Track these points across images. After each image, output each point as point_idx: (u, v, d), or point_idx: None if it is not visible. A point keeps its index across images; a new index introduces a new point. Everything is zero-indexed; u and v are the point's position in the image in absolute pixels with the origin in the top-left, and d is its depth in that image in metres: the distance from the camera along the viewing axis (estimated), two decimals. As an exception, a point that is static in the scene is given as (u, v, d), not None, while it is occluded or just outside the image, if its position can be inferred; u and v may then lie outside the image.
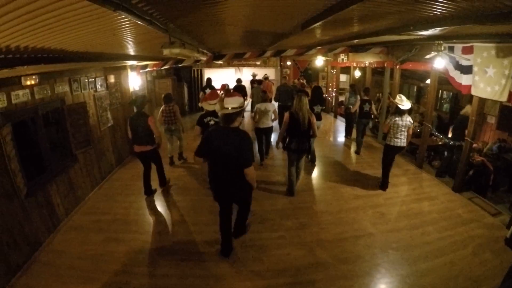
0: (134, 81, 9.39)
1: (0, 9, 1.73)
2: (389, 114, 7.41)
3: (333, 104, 15.09)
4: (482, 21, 3.34)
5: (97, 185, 7.34)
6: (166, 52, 3.60)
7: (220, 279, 4.36)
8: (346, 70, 15.02)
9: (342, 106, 14.77)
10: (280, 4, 3.31)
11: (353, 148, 9.88)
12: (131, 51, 5.51)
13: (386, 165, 7.03)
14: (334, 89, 14.85)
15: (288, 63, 16.91)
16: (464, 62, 6.04)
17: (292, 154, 6.45)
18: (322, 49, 10.42)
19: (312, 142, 6.72)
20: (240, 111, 4.17)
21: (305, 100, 6.18)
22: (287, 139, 6.42)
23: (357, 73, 13.53)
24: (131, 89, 9.17)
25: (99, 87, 7.54)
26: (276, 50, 10.22)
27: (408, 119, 6.56)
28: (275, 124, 9.04)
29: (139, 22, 2.55)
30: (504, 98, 5.36)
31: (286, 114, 6.28)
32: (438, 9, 3.30)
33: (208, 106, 6.23)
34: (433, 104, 8.36)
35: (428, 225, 5.58)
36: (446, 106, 13.14)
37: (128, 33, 3.44)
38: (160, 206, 6.55)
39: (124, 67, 8.79)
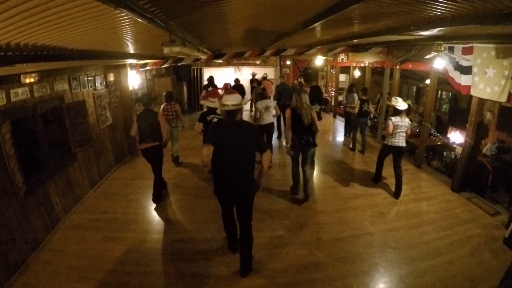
0: (134, 80, 9.38)
1: (0, 6, 1.72)
2: (388, 116, 7.48)
3: (333, 103, 15.08)
4: (483, 22, 3.33)
5: (96, 184, 7.34)
6: (166, 50, 3.58)
7: (219, 278, 4.36)
8: (346, 69, 15.02)
9: (341, 106, 14.80)
10: (283, 2, 3.30)
11: (355, 147, 9.87)
12: (131, 49, 5.50)
13: (380, 162, 7.24)
14: (334, 89, 14.85)
15: (288, 62, 16.90)
16: (464, 63, 6.04)
17: (295, 150, 6.36)
18: (322, 48, 10.41)
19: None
20: (240, 108, 4.20)
21: (305, 96, 6.19)
22: (291, 136, 6.29)
23: (357, 73, 13.52)
24: (131, 88, 9.15)
25: (99, 85, 7.54)
26: (276, 49, 10.22)
27: (406, 120, 6.60)
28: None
29: (140, 20, 2.54)
30: (503, 99, 5.36)
31: (288, 111, 6.23)
32: (439, 9, 3.30)
33: (209, 103, 6.18)
34: (433, 104, 8.37)
35: (427, 225, 5.59)
36: (445, 107, 13.16)
37: (128, 31, 3.43)
38: (159, 205, 6.53)
39: (124, 66, 8.77)
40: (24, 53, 3.08)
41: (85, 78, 6.87)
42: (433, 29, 4.27)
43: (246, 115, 11.61)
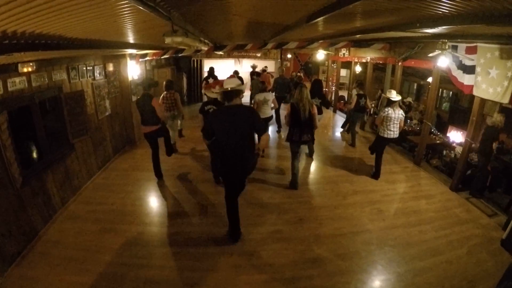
0: (133, 70, 9.29)
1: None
2: (380, 106, 7.54)
3: (333, 98, 15.03)
4: (491, 21, 3.29)
5: (94, 175, 7.28)
6: (168, 40, 3.53)
7: (217, 272, 4.35)
8: (347, 64, 14.96)
9: (342, 101, 14.75)
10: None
11: (355, 143, 9.87)
12: (132, 39, 5.43)
13: (380, 156, 7.37)
14: (334, 84, 14.79)
15: (289, 55, 16.85)
16: (467, 62, 6.00)
17: (294, 145, 6.54)
18: (324, 42, 10.35)
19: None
20: (238, 91, 4.51)
21: (306, 91, 6.31)
22: (289, 131, 6.49)
23: (358, 68, 13.45)
24: (130, 78, 9.07)
25: (98, 75, 7.45)
26: (278, 43, 10.16)
27: (400, 112, 6.92)
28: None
29: (142, 8, 2.47)
30: (506, 100, 5.33)
31: (288, 106, 6.40)
32: (447, 7, 3.25)
33: (211, 93, 6.42)
34: (435, 102, 8.34)
35: (425, 223, 5.59)
36: (445, 105, 13.11)
37: (130, 20, 3.36)
38: (157, 197, 6.52)
39: (123, 56, 8.69)
40: (21, 41, 3.00)
41: (84, 68, 6.79)
42: (439, 27, 4.22)
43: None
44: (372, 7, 3.62)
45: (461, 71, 6.23)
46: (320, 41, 10.04)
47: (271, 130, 11.01)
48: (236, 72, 13.14)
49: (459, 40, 5.87)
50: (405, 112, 12.23)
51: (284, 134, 10.44)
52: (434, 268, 4.45)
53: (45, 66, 5.43)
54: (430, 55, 6.32)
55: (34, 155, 5.70)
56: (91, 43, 4.53)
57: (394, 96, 6.88)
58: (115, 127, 8.66)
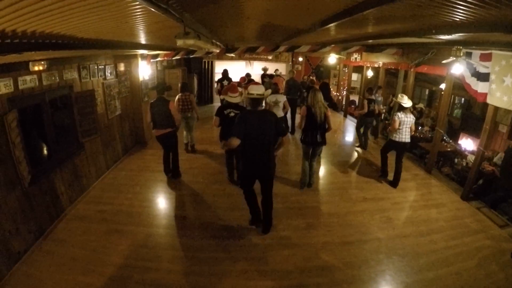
0: (144, 70, 9.31)
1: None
2: (393, 112, 7.82)
3: (344, 103, 14.94)
4: (509, 30, 3.22)
5: (103, 174, 7.30)
6: (180, 42, 3.50)
7: (224, 277, 4.30)
8: (359, 69, 14.86)
9: (352, 106, 14.65)
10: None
11: (365, 146, 9.84)
12: (143, 40, 5.42)
13: (385, 156, 7.59)
14: (345, 88, 14.71)
15: (300, 59, 16.79)
16: (482, 69, 5.88)
17: (306, 146, 6.68)
18: (336, 47, 10.28)
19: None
20: (263, 98, 4.95)
21: (319, 95, 6.45)
22: (303, 132, 6.65)
23: (370, 73, 13.36)
24: (141, 78, 9.09)
25: (109, 75, 7.47)
26: (289, 46, 10.15)
27: (411, 116, 6.99)
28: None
29: (154, 10, 2.44)
30: (520, 109, 5.23)
31: (303, 108, 6.54)
32: (465, 14, 3.18)
33: (230, 98, 6.42)
34: (447, 109, 8.24)
35: (435, 233, 5.49)
36: (457, 112, 12.95)
37: (141, 21, 3.33)
38: (166, 199, 6.52)
39: (135, 56, 8.71)
40: (32, 41, 2.99)
41: (95, 67, 6.81)
42: (455, 34, 4.15)
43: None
44: (388, 13, 3.56)
45: (475, 79, 6.11)
46: (332, 45, 9.98)
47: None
48: (248, 75, 13.10)
49: (473, 47, 5.77)
50: (417, 118, 12.17)
51: (296, 136, 10.52)
52: (443, 280, 4.35)
53: (56, 65, 5.44)
54: (444, 61, 6.24)
55: (43, 153, 5.70)
56: (102, 43, 4.53)
57: (406, 101, 6.96)
58: (125, 127, 8.68)
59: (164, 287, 4.11)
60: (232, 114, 6.38)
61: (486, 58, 5.72)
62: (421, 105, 13.52)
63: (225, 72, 12.62)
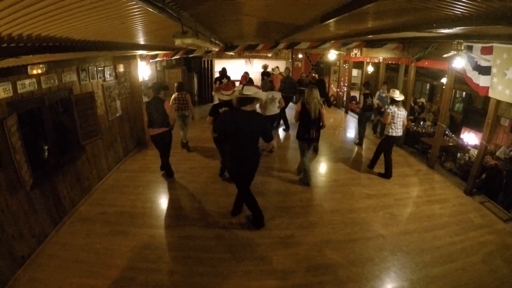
0: (144, 71, 9.29)
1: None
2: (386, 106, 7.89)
3: (344, 99, 14.90)
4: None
5: (104, 176, 7.27)
6: (178, 42, 3.46)
7: (227, 278, 4.29)
8: (359, 65, 14.82)
9: (353, 102, 14.62)
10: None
11: (362, 142, 9.83)
12: (141, 40, 5.40)
13: (380, 153, 7.65)
14: (346, 84, 14.66)
15: (300, 56, 16.74)
16: (483, 63, 5.85)
17: (302, 143, 6.82)
18: (337, 43, 10.24)
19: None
20: (253, 98, 4.78)
21: (316, 91, 6.53)
22: (298, 128, 6.81)
23: (370, 69, 13.31)
24: (141, 79, 9.07)
25: (108, 76, 7.44)
26: (289, 43, 10.10)
27: (403, 110, 7.15)
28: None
29: (151, 10, 2.42)
30: (523, 102, 5.20)
31: (298, 104, 6.72)
32: (466, 7, 3.15)
33: (221, 96, 6.45)
34: (449, 103, 8.21)
35: (439, 228, 5.47)
36: (458, 106, 12.92)
37: (138, 21, 3.30)
38: (168, 199, 6.50)
39: (134, 57, 8.68)
40: (29, 44, 2.97)
41: (94, 69, 6.77)
42: (456, 28, 4.12)
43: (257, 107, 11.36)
44: (389, 7, 3.53)
45: (477, 72, 6.08)
46: (332, 41, 9.95)
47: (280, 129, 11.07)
48: (246, 73, 13.09)
49: (474, 40, 5.74)
50: (418, 113, 12.16)
51: (293, 132, 10.49)
52: (448, 276, 4.33)
53: (55, 68, 5.41)
54: (445, 55, 6.21)
55: (45, 157, 5.69)
56: (100, 44, 4.49)
57: (398, 95, 7.08)
58: (125, 128, 8.66)
59: (168, 288, 4.11)
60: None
61: (487, 51, 5.69)
62: (422, 100, 13.51)
63: (223, 71, 12.63)
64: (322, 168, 8.19)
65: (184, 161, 8.31)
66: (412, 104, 11.70)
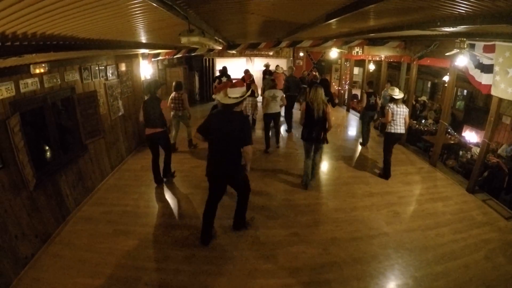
0: (146, 70, 9.31)
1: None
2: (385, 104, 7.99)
3: (346, 97, 14.88)
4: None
5: (107, 176, 7.28)
6: (184, 40, 3.46)
7: (233, 277, 4.29)
8: (360, 63, 14.81)
9: (355, 100, 14.61)
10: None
11: (366, 141, 9.78)
12: (146, 38, 5.39)
13: (388, 154, 7.36)
14: (347, 82, 14.65)
15: (301, 54, 16.73)
16: (485, 61, 5.85)
17: (307, 143, 6.65)
18: (339, 41, 10.21)
19: None
20: (238, 102, 4.57)
21: (320, 91, 6.37)
22: (303, 129, 6.65)
23: (372, 67, 13.30)
24: (143, 78, 9.08)
25: (110, 75, 7.43)
26: (291, 41, 10.10)
27: (404, 107, 7.13)
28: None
29: (158, 7, 2.41)
30: (525, 101, 5.20)
31: (303, 104, 6.60)
32: (471, 6, 3.14)
33: (225, 99, 6.29)
34: (451, 101, 8.20)
35: (442, 226, 5.48)
36: (459, 104, 12.89)
37: (144, 19, 3.29)
38: (171, 199, 6.49)
39: (136, 55, 8.70)
40: (32, 43, 2.95)
41: (97, 68, 6.77)
42: (460, 26, 4.11)
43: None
44: (395, 5, 3.52)
45: (479, 70, 6.08)
46: (334, 40, 9.93)
47: (282, 129, 11.01)
48: (246, 71, 13.03)
49: (477, 38, 5.73)
50: (420, 111, 12.16)
51: (297, 133, 10.54)
52: (451, 273, 4.34)
53: (57, 67, 5.41)
54: (448, 54, 6.21)
55: (48, 156, 5.68)
56: (103, 43, 4.49)
57: (397, 93, 7.15)
58: (128, 127, 8.66)
59: (173, 288, 4.11)
60: None
61: (489, 49, 5.69)
62: (424, 98, 13.49)
63: (224, 69, 12.55)
64: (324, 166, 8.18)
65: (186, 160, 8.33)
66: (414, 103, 11.69)
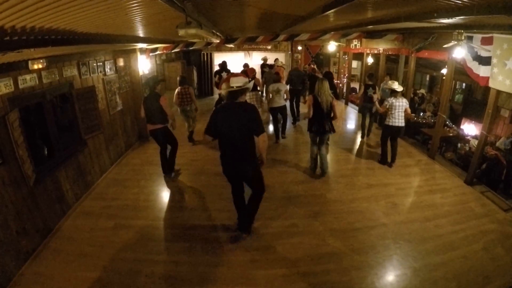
0: (144, 65, 9.30)
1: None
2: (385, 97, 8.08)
3: (344, 90, 14.88)
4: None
5: (107, 170, 7.31)
6: (182, 32, 3.45)
7: (233, 267, 4.33)
8: (358, 56, 14.78)
9: (354, 93, 14.60)
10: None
11: (365, 134, 9.77)
12: (143, 32, 5.38)
13: (385, 144, 7.62)
14: (346, 76, 14.63)
15: (299, 47, 16.71)
16: (483, 53, 5.84)
17: (314, 135, 6.87)
18: (336, 34, 10.19)
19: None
20: (243, 89, 4.50)
21: (326, 84, 6.59)
22: (310, 121, 6.84)
23: (370, 60, 13.28)
24: (141, 73, 9.08)
25: (108, 70, 7.44)
26: (289, 34, 10.06)
27: (404, 100, 7.21)
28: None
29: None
30: (523, 92, 5.20)
31: (310, 97, 6.74)
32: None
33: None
34: (449, 94, 8.21)
35: (441, 217, 5.50)
36: (458, 97, 12.89)
37: (142, 12, 3.28)
38: (171, 192, 6.53)
39: (134, 50, 8.68)
40: (31, 37, 2.95)
41: (95, 63, 6.78)
42: (456, 17, 4.11)
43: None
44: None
45: (477, 62, 6.07)
46: (332, 33, 9.90)
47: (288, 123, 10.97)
48: (245, 65, 12.99)
49: (475, 30, 5.73)
50: (418, 104, 12.16)
51: (302, 125, 10.67)
52: (450, 263, 4.36)
53: (55, 63, 5.41)
54: (446, 46, 6.21)
55: (47, 152, 5.70)
56: (102, 38, 4.48)
57: (397, 86, 7.18)
58: (127, 122, 8.68)
59: (174, 279, 4.12)
60: None
61: (487, 41, 5.68)
62: (422, 91, 13.49)
63: (223, 64, 12.41)
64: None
65: (187, 153, 8.34)
66: (412, 95, 11.69)
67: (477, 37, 5.87)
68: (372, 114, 9.52)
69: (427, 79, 14.71)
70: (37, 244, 4.64)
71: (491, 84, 5.82)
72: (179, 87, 8.55)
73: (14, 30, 2.53)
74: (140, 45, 8.05)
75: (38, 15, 2.33)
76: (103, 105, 7.21)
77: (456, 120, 10.83)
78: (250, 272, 4.24)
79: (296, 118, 11.37)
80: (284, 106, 8.98)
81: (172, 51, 10.61)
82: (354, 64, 15.99)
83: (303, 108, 9.92)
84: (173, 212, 5.77)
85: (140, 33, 5.35)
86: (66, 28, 3.14)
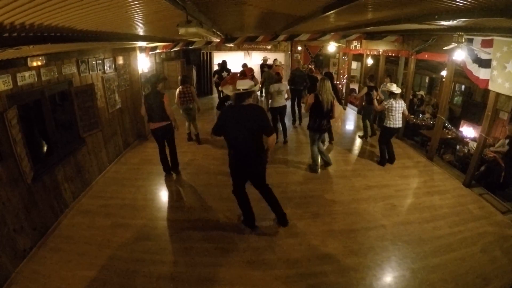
0: (143, 63, 9.27)
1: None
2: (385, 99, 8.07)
3: (344, 92, 14.86)
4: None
5: (105, 169, 7.28)
6: (182, 31, 3.44)
7: (230, 268, 4.31)
8: (358, 57, 14.77)
9: (353, 94, 14.60)
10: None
11: (367, 135, 9.76)
12: (143, 30, 5.36)
13: (383, 145, 7.69)
14: (345, 77, 14.63)
15: (299, 48, 16.71)
16: (483, 56, 5.86)
17: (314, 133, 7.02)
18: (336, 35, 10.16)
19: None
20: (250, 92, 4.61)
21: (328, 84, 6.72)
22: (310, 119, 7.00)
23: (370, 61, 13.27)
24: (140, 71, 9.05)
25: (108, 68, 7.41)
26: (289, 35, 10.05)
27: (402, 102, 7.32)
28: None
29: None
30: (522, 95, 5.21)
31: (311, 95, 6.85)
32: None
33: (228, 90, 6.34)
34: (449, 96, 8.22)
35: (439, 219, 5.50)
36: (457, 99, 12.90)
37: (143, 10, 3.27)
38: (170, 191, 6.54)
39: (133, 49, 8.66)
40: (30, 34, 2.93)
41: (94, 61, 6.75)
42: (457, 20, 4.11)
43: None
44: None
45: (477, 65, 6.09)
46: (332, 33, 9.89)
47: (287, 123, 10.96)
48: (244, 65, 12.97)
49: (475, 33, 5.73)
50: (418, 106, 12.17)
51: (302, 126, 10.74)
52: (448, 265, 4.37)
53: (54, 60, 5.39)
54: (446, 48, 6.21)
55: (45, 149, 5.68)
56: (101, 35, 4.45)
57: (395, 89, 7.27)
58: (125, 120, 8.65)
59: (171, 279, 4.11)
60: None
61: (487, 44, 5.69)
62: (421, 93, 13.50)
63: (223, 63, 12.42)
64: (323, 159, 8.15)
65: (186, 153, 8.32)
66: (412, 97, 11.69)
67: (477, 39, 5.88)
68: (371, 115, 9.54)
69: (427, 81, 14.73)
70: (34, 242, 4.62)
71: (490, 86, 5.84)
72: (181, 86, 8.53)
73: (13, 26, 2.51)
74: (140, 44, 8.03)
75: (38, 11, 2.30)
76: (102, 103, 7.18)
77: (456, 123, 10.84)
78: (249, 273, 4.23)
79: (297, 119, 11.34)
80: (285, 107, 8.99)
81: (172, 49, 10.59)
82: (354, 65, 15.99)
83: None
84: (171, 212, 5.77)
85: (140, 31, 5.34)
86: (65, 25, 3.12)
